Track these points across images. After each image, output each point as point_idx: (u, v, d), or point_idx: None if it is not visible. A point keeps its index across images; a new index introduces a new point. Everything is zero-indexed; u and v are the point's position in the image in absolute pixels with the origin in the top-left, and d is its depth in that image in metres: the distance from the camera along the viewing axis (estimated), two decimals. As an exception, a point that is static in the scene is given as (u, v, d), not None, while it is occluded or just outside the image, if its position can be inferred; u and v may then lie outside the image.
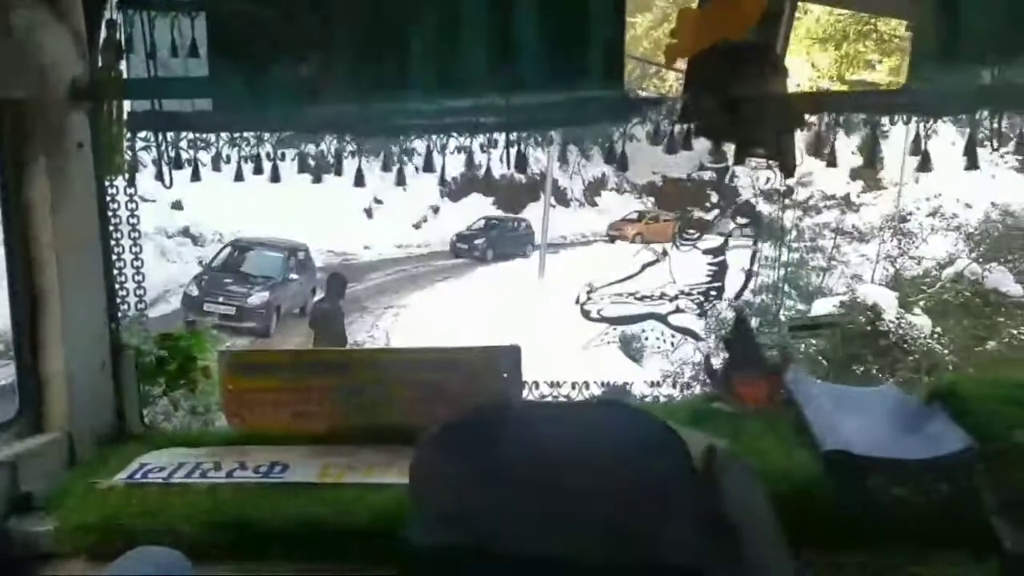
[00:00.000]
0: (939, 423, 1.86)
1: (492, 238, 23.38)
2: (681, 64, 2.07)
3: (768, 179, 2.37)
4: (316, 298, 13.35)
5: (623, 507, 0.93)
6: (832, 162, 1.97)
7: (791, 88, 2.16)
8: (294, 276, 17.30)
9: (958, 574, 1.59)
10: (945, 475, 1.71)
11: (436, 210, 23.61)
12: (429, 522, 1.02)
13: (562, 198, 26.29)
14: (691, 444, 1.01)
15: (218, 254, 18.12)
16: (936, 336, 11.64)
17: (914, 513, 1.68)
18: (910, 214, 17.35)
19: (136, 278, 2.35)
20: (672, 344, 2.65)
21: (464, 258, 22.69)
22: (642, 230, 24.02)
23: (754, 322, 2.50)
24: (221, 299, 15.55)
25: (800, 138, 2.07)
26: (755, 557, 1.00)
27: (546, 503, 0.95)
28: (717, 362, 2.31)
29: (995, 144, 1.86)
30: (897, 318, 11.40)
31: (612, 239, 24.19)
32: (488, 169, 2.12)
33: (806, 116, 1.94)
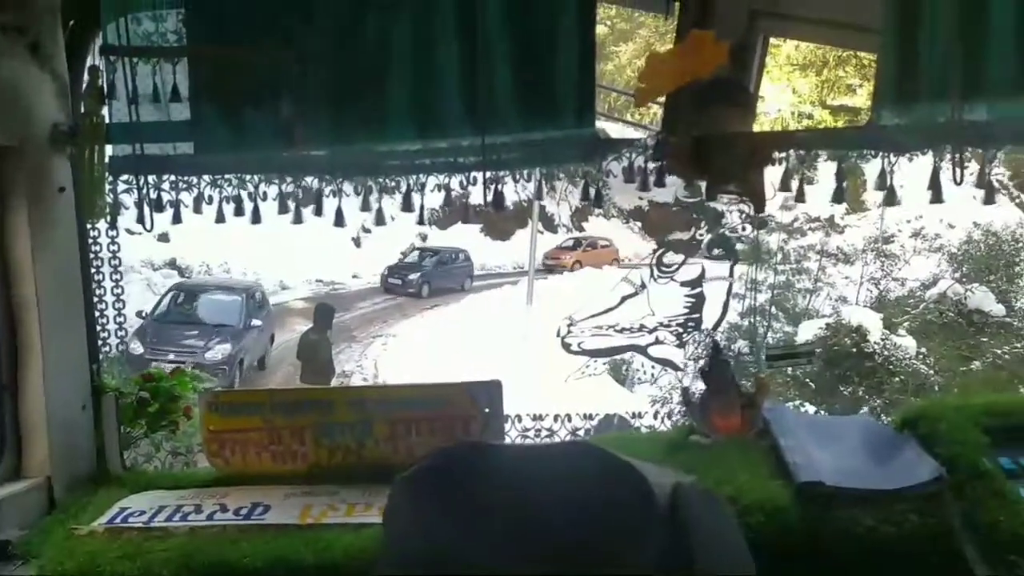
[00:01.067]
0: (910, 452, 1.89)
1: (427, 272, 21.80)
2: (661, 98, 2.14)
3: (742, 211, 2.42)
4: (305, 328, 12.83)
5: (585, 547, 0.95)
6: (800, 198, 2.02)
7: (773, 113, 2.21)
8: (256, 322, 14.71)
9: None
10: (915, 505, 1.73)
11: (424, 238, 23.59)
12: (396, 564, 1.03)
13: (549, 224, 26.40)
14: (658, 482, 1.04)
15: (160, 301, 15.31)
16: (921, 357, 11.74)
17: (886, 543, 1.70)
18: (893, 236, 17.53)
19: (118, 319, 2.36)
20: (653, 375, 2.66)
21: (396, 294, 21.03)
22: (580, 257, 23.83)
23: (741, 344, 2.53)
24: (172, 355, 12.46)
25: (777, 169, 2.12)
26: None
27: (510, 545, 0.97)
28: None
29: (958, 178, 1.91)
30: (882, 339, 11.51)
31: (549, 269, 23.18)
32: (467, 204, 2.16)
33: (774, 153, 1.99)
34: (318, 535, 1.88)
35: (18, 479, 2.07)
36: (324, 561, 1.79)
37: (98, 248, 2.30)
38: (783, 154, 2.08)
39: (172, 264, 19.40)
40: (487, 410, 2.20)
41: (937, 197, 1.99)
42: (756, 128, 2.34)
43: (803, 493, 1.78)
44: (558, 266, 23.61)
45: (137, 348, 12.84)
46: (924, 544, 1.70)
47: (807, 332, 11.89)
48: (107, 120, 2.10)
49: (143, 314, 14.30)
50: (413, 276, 21.67)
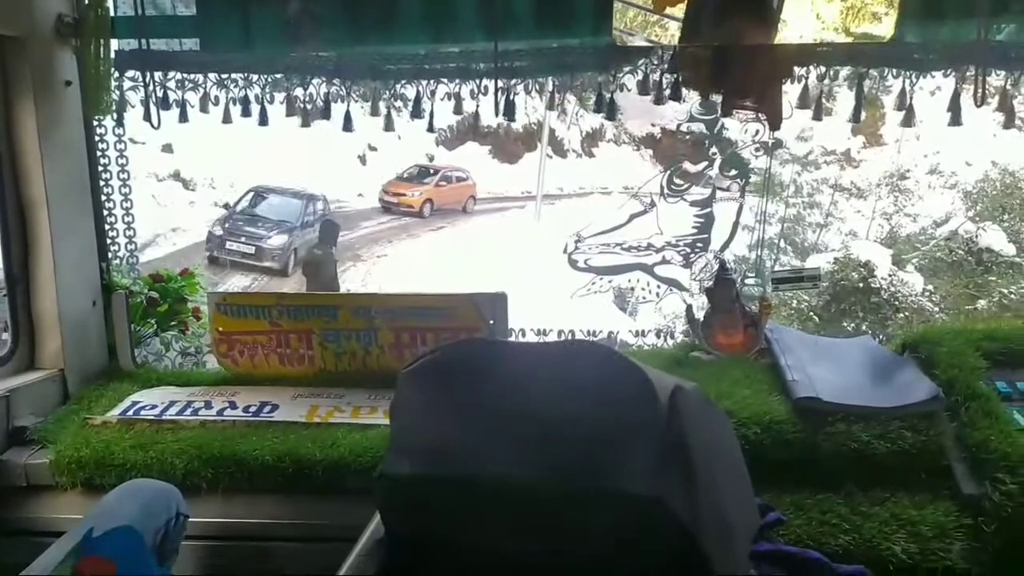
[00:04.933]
0: (909, 373, 1.91)
1: (296, 233, 13.51)
2: (679, 12, 2.07)
3: (757, 131, 2.38)
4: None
5: (584, 437, 0.97)
6: (818, 115, 1.97)
7: (795, 39, 2.14)
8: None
9: (915, 515, 1.65)
10: (910, 423, 1.76)
11: (431, 159, 23.28)
12: (403, 453, 1.06)
13: (559, 149, 25.95)
14: (659, 383, 1.05)
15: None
16: (927, 294, 11.73)
17: (879, 458, 1.74)
18: (908, 171, 17.24)
19: (126, 219, 2.37)
20: (657, 295, 2.67)
21: (233, 263, 12.78)
22: (431, 195, 18.13)
23: (749, 279, 2.53)
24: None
25: (793, 92, 2.07)
26: (714, 491, 1.05)
27: (513, 437, 0.99)
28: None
29: (979, 100, 1.87)
30: (889, 275, 11.46)
31: (387, 207, 17.63)
32: (477, 115, 2.12)
33: (794, 68, 1.94)
34: (325, 433, 1.93)
35: (33, 369, 2.13)
36: (331, 456, 1.84)
37: (104, 147, 2.29)
38: (802, 70, 2.02)
39: (176, 176, 19.19)
40: (492, 322, 2.22)
41: (956, 120, 1.95)
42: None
43: (800, 408, 1.81)
44: (400, 205, 17.50)
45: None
46: (915, 461, 1.74)
47: (815, 266, 11.84)
48: (112, 13, 2.06)
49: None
50: (275, 241, 13.20)
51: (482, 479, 0.99)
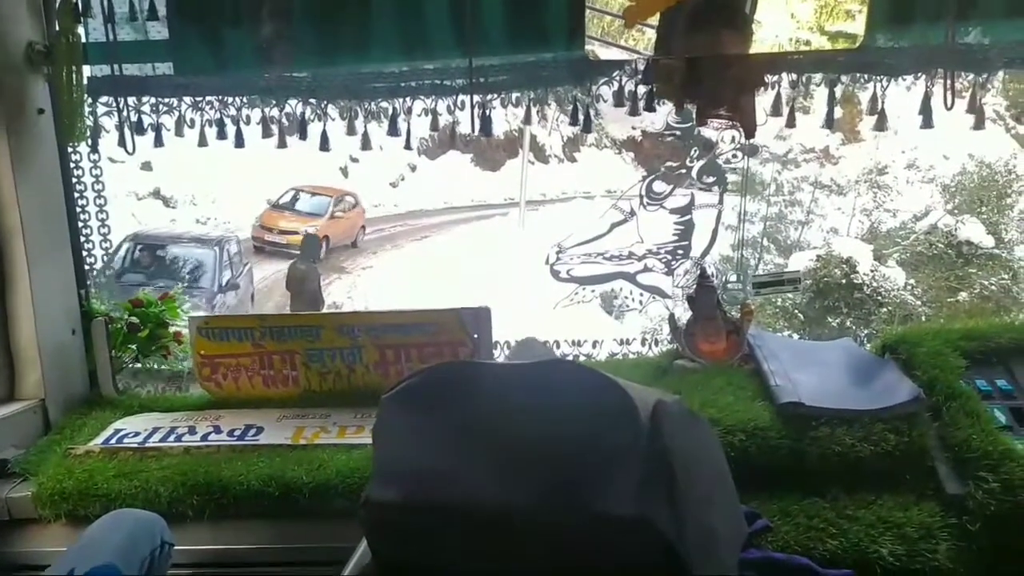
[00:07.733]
0: (890, 375, 1.93)
1: (218, 306, 10.29)
2: (654, 21, 2.08)
3: (733, 138, 2.40)
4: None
5: (567, 460, 0.97)
6: (791, 123, 1.99)
7: (771, 41, 2.17)
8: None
9: (901, 517, 1.67)
10: (893, 425, 1.78)
11: (413, 168, 23.26)
12: (387, 479, 1.06)
13: (541, 154, 26.00)
14: (641, 399, 1.05)
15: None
16: (909, 288, 11.86)
17: (863, 461, 1.75)
18: (887, 167, 17.43)
19: (104, 245, 2.35)
20: (641, 303, 2.69)
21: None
22: (328, 230, 15.07)
23: (732, 277, 2.55)
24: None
25: (767, 99, 2.09)
26: (700, 505, 1.05)
27: (494, 459, 0.99)
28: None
29: (948, 103, 1.89)
30: (871, 270, 11.57)
31: (262, 247, 14.34)
32: (454, 131, 2.13)
33: (765, 76, 1.96)
34: (311, 455, 1.92)
35: (13, 401, 2.10)
36: (317, 479, 1.83)
37: (80, 173, 2.28)
38: (775, 78, 2.05)
39: (156, 194, 19.04)
40: (476, 336, 2.22)
41: (927, 123, 1.98)
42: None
43: (783, 414, 1.82)
44: (290, 246, 13.55)
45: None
46: (899, 462, 1.76)
47: (798, 264, 11.93)
48: (84, 39, 2.05)
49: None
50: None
51: (466, 504, 0.99)
